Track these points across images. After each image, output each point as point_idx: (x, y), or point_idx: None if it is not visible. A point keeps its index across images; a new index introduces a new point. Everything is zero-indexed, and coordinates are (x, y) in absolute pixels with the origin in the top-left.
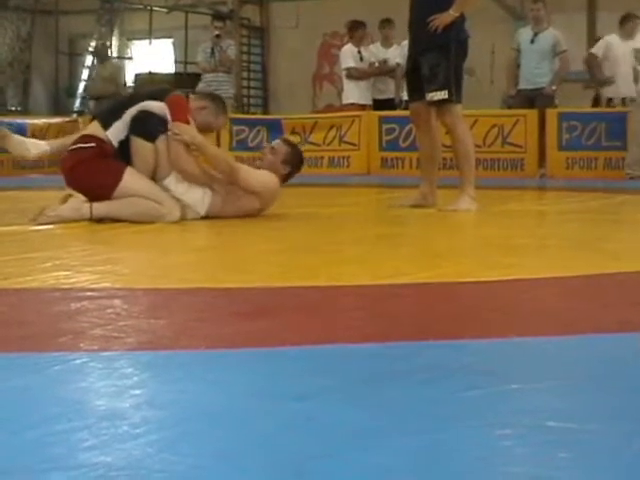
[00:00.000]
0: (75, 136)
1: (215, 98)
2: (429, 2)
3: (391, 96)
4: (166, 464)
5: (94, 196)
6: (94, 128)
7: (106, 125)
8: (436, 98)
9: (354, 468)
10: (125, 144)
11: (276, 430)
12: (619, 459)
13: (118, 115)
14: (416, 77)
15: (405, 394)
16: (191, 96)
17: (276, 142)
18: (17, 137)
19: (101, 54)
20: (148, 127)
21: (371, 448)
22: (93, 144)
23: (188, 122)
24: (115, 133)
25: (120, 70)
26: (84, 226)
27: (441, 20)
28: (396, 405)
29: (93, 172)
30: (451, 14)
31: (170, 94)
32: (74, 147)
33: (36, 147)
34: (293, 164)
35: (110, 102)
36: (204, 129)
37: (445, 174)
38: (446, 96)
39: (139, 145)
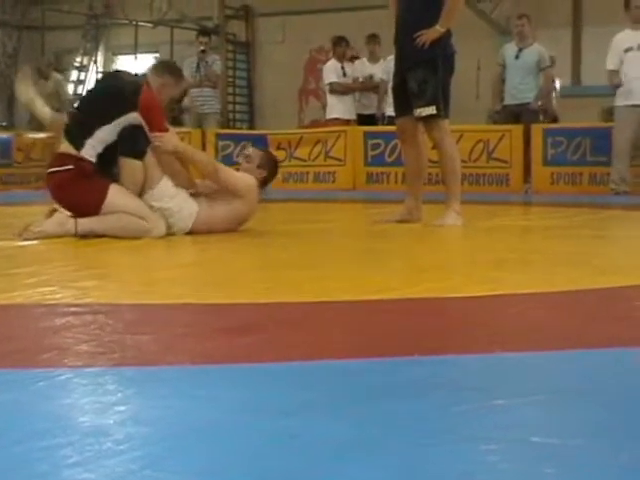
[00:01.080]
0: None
1: (168, 68)
2: (415, 18)
3: (374, 111)
4: None
5: (81, 214)
6: (67, 147)
7: (78, 146)
8: (424, 114)
9: None
10: (103, 156)
11: (261, 445)
12: (603, 475)
13: (89, 133)
14: (403, 92)
15: (390, 409)
16: (147, 76)
17: (249, 150)
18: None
19: (43, 72)
20: (137, 145)
21: (356, 463)
22: (70, 166)
23: (167, 129)
24: (90, 151)
25: (62, 85)
26: (69, 242)
27: (428, 36)
28: (381, 420)
29: (76, 194)
30: (438, 30)
31: (138, 95)
32: (52, 170)
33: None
34: (269, 168)
35: (74, 120)
36: (170, 102)
37: (430, 189)
38: (434, 112)
39: (129, 166)
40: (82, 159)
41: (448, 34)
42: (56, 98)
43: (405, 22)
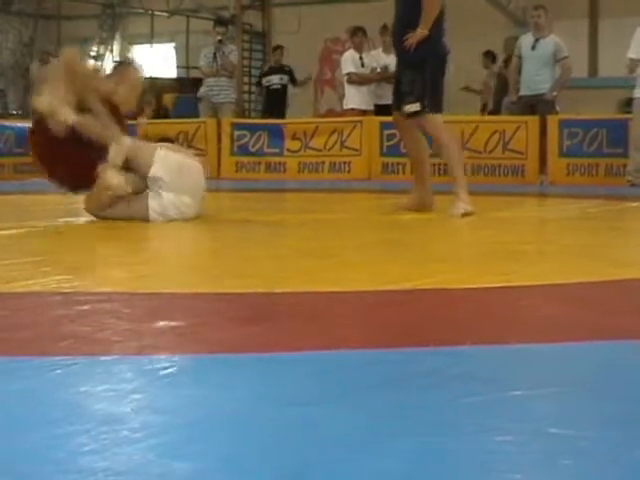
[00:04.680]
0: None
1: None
2: (403, 20)
3: (389, 102)
4: (166, 469)
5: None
6: None
7: None
8: (411, 110)
9: (354, 472)
10: None
11: (277, 435)
12: (619, 466)
13: None
14: (398, 88)
15: (405, 400)
16: None
17: None
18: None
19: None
20: None
21: (371, 453)
22: None
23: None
24: None
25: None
26: (84, 230)
27: (413, 39)
28: (396, 411)
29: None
30: (420, 32)
31: None
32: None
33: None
34: None
35: None
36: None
37: (440, 180)
38: (419, 108)
39: None
40: None
41: (439, 35)
42: None
43: (396, 23)
